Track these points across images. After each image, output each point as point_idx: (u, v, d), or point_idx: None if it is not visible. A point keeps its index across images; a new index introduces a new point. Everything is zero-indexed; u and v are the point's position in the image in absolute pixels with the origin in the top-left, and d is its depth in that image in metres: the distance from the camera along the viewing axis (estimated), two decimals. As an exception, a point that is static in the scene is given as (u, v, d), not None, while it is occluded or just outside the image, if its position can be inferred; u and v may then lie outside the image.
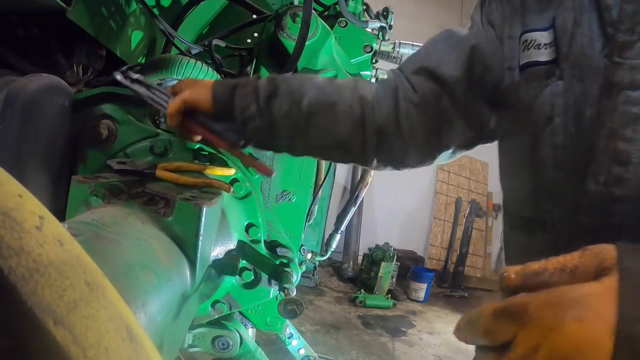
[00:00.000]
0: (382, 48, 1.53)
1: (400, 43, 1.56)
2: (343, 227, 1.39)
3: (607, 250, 0.38)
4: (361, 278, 5.60)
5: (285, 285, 0.98)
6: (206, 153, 1.13)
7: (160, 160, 1.09)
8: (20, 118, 0.96)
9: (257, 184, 1.28)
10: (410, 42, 1.56)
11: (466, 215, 6.70)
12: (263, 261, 1.08)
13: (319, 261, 1.50)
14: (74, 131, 1.11)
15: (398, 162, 0.89)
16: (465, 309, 5.19)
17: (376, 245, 6.06)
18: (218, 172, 1.07)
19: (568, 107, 0.54)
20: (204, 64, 1.23)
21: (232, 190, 1.05)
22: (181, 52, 1.40)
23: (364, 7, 1.56)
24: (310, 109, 0.84)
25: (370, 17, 1.53)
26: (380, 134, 0.84)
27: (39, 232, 0.18)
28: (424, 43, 0.88)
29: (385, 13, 1.60)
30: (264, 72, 1.29)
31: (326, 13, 1.55)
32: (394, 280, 5.48)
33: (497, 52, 0.68)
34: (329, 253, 1.45)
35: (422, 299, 5.37)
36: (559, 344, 0.34)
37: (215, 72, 1.26)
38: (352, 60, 1.41)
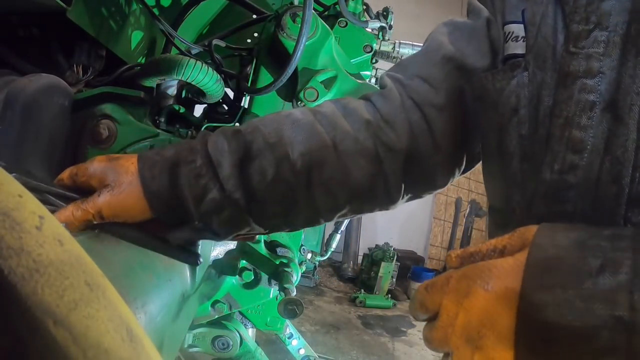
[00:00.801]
0: (382, 48, 1.53)
1: (400, 43, 1.57)
2: (343, 227, 1.39)
3: (531, 230, 0.41)
4: (361, 278, 5.61)
5: (286, 285, 0.98)
6: None
7: None
8: (20, 118, 0.96)
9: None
10: (410, 43, 1.56)
11: (466, 215, 6.70)
12: (263, 261, 1.08)
13: (319, 261, 1.50)
14: (74, 131, 1.11)
15: (429, 185, 0.74)
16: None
17: (376, 245, 6.06)
18: None
19: (532, 98, 0.54)
20: (204, 64, 1.23)
21: None
22: (181, 52, 1.40)
23: (364, 7, 1.56)
24: (306, 161, 0.62)
25: (370, 17, 1.53)
26: (405, 161, 0.68)
27: (39, 232, 0.18)
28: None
29: (385, 13, 1.60)
30: (264, 72, 1.29)
31: (326, 13, 1.55)
32: (394, 280, 5.49)
33: (500, 40, 0.65)
34: (329, 253, 1.46)
35: (422, 299, 5.38)
36: (470, 310, 0.39)
37: (215, 72, 1.26)
38: (352, 60, 1.41)
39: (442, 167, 0.71)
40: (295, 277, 1.11)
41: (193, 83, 1.24)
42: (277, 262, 1.10)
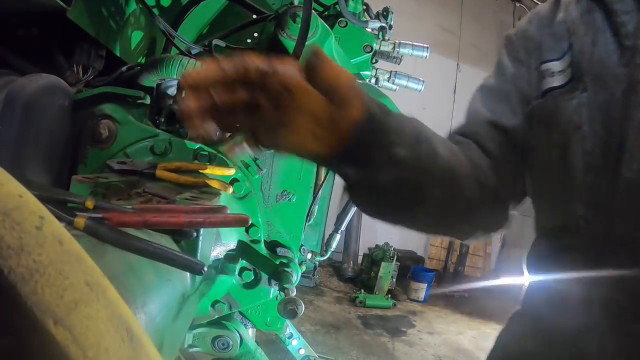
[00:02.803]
0: (382, 48, 1.53)
1: (400, 43, 1.56)
2: (343, 227, 1.39)
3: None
4: (361, 278, 5.61)
5: (286, 286, 0.98)
6: (206, 153, 1.13)
7: (160, 160, 1.08)
8: (20, 118, 0.96)
9: (257, 184, 1.28)
10: (411, 42, 1.56)
11: (466, 215, 6.70)
12: (263, 261, 1.08)
13: (319, 261, 1.50)
14: (74, 131, 1.11)
15: (498, 224, 0.79)
16: (465, 309, 5.21)
17: (376, 245, 6.06)
18: (218, 172, 1.06)
19: (594, 114, 0.61)
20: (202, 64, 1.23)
21: (231, 190, 1.05)
22: (181, 52, 1.40)
23: (364, 7, 1.56)
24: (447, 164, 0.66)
25: (370, 17, 1.53)
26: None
27: (39, 232, 0.18)
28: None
29: (385, 13, 1.59)
30: None
31: (326, 13, 1.55)
32: (394, 280, 5.48)
33: (531, 84, 0.73)
34: (329, 253, 1.46)
35: (422, 299, 5.37)
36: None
37: None
38: (352, 60, 1.41)
39: (499, 208, 0.76)
40: (296, 277, 1.11)
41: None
42: (277, 262, 1.10)
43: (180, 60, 1.23)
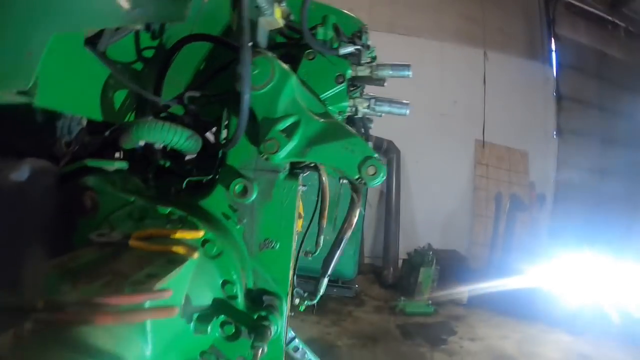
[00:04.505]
0: (360, 74, 1.41)
1: (377, 66, 1.42)
2: (330, 272, 1.39)
3: None
4: (401, 284, 5.55)
5: (256, 344, 1.01)
6: (176, 217, 1.16)
7: (138, 225, 1.15)
8: (8, 208, 1.05)
9: (239, 234, 1.31)
10: (389, 63, 1.46)
11: (507, 210, 6.45)
12: (241, 316, 1.11)
13: (309, 305, 1.50)
14: (64, 203, 1.19)
15: None
16: (510, 309, 4.99)
17: (415, 249, 5.97)
18: (187, 235, 1.10)
19: None
20: (166, 124, 1.22)
21: (196, 255, 1.07)
22: (156, 109, 1.45)
23: (336, 30, 1.43)
24: None
25: (343, 42, 1.39)
26: None
27: None
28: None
29: (359, 33, 1.46)
30: (233, 120, 1.27)
31: (301, 42, 1.49)
32: (435, 284, 5.38)
33: None
34: (318, 298, 1.46)
35: (465, 302, 5.24)
36: None
37: (184, 129, 1.26)
38: (325, 95, 1.36)
39: None
40: (275, 329, 1.13)
41: (159, 143, 1.27)
42: (255, 317, 1.13)
43: (148, 125, 1.26)
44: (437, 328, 4.43)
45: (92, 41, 1.23)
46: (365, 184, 1.16)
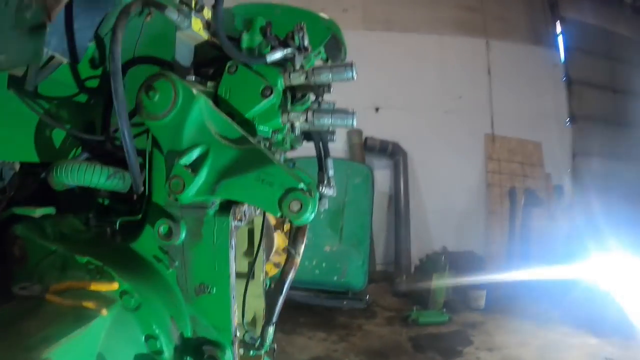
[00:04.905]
0: (294, 82, 1.20)
1: (314, 70, 1.20)
2: (275, 319, 1.21)
3: None
4: (414, 292, 5.30)
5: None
6: (93, 267, 1.08)
7: (62, 275, 1.09)
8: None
9: (172, 278, 1.18)
10: (328, 65, 1.22)
11: (522, 207, 6.15)
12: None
13: (256, 354, 1.33)
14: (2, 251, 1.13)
15: None
16: (529, 313, 4.70)
17: (427, 254, 5.73)
18: (102, 287, 1.03)
19: None
20: (87, 165, 1.15)
21: (105, 312, 0.98)
22: (87, 145, 1.34)
23: (264, 34, 1.23)
24: None
25: (273, 46, 1.21)
26: None
27: None
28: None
29: (292, 34, 1.24)
30: (157, 156, 1.15)
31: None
32: (450, 290, 5.12)
33: None
34: (265, 347, 1.29)
35: (482, 307, 4.97)
36: None
37: (104, 168, 1.17)
38: (252, 112, 1.17)
39: None
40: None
41: (80, 184, 1.17)
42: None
43: (66, 167, 1.17)
44: (451, 338, 4.19)
45: (17, 81, 1.12)
46: (290, 222, 0.98)
